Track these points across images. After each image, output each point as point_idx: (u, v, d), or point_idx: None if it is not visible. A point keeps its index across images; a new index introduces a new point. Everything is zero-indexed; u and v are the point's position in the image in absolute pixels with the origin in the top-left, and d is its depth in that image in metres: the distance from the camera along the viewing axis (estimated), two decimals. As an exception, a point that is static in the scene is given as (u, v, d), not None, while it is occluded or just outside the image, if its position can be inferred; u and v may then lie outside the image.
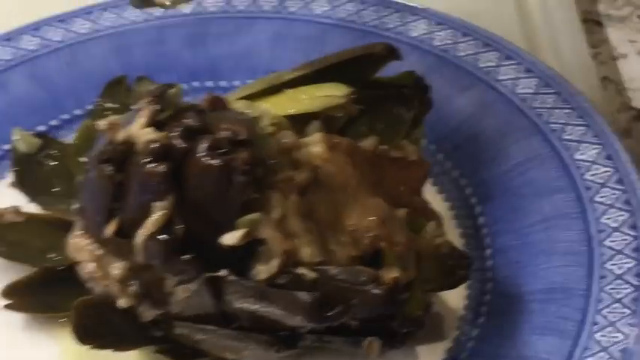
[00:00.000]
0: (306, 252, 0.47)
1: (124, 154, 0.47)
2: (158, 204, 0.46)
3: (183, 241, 0.46)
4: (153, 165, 0.46)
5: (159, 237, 0.46)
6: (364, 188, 0.50)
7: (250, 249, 0.47)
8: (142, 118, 0.47)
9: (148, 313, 0.49)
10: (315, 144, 0.49)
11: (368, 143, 0.52)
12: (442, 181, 0.57)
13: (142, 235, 0.46)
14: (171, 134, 0.46)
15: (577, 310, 0.50)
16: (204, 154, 0.46)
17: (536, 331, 0.50)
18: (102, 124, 0.49)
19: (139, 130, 0.47)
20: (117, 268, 0.49)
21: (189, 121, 0.46)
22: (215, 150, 0.46)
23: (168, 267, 0.47)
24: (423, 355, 0.51)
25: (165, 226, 0.46)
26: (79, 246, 0.50)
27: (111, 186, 0.48)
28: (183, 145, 0.46)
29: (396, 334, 0.50)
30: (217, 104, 0.49)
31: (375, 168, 0.51)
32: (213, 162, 0.46)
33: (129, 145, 0.47)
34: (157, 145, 0.46)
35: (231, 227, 0.46)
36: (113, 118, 0.50)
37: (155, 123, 0.47)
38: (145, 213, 0.46)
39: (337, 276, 0.47)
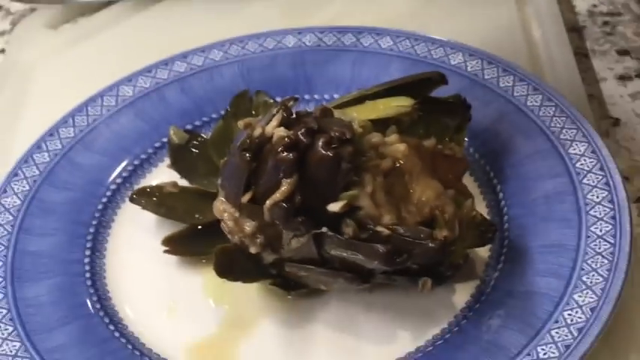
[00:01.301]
0: (387, 217, 0.48)
1: (258, 146, 0.48)
2: (286, 180, 0.47)
3: (299, 208, 0.47)
4: (285, 154, 0.47)
5: (282, 204, 0.47)
6: (425, 174, 0.50)
7: (347, 215, 0.47)
8: (276, 120, 0.48)
9: (268, 257, 0.50)
10: (398, 143, 0.50)
11: (429, 142, 0.52)
12: (475, 169, 0.56)
13: (271, 201, 0.47)
14: (297, 132, 0.47)
15: (569, 259, 0.49)
16: (321, 147, 0.47)
17: (538, 273, 0.49)
18: (241, 123, 0.50)
19: (274, 128, 0.48)
20: (249, 225, 0.49)
21: (310, 123, 0.47)
22: (329, 145, 0.47)
23: (286, 225, 0.47)
24: (459, 289, 0.51)
25: (289, 197, 0.47)
26: (222, 209, 0.50)
27: (248, 168, 0.48)
28: (306, 141, 0.47)
29: (443, 276, 0.49)
30: (326, 113, 0.50)
31: (433, 160, 0.52)
32: (328, 153, 0.46)
33: (263, 140, 0.48)
34: (287, 139, 0.47)
35: (336, 199, 0.47)
36: (249, 119, 0.50)
37: (285, 124, 0.48)
38: (275, 187, 0.47)
39: (405, 233, 0.47)
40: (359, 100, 0.54)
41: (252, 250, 0.50)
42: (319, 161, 0.47)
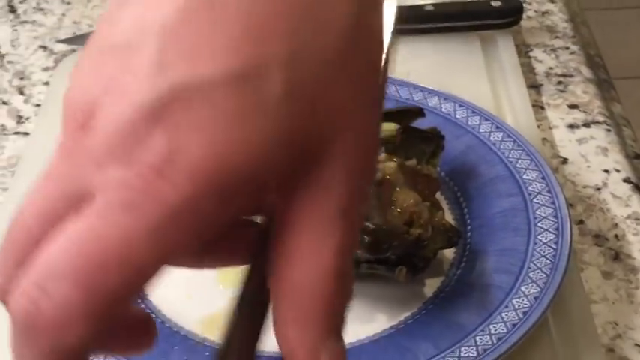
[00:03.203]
0: (376, 218, 0.55)
1: None
2: None
3: None
4: None
5: None
6: (407, 187, 0.58)
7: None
8: None
9: None
10: (388, 161, 0.58)
11: (410, 163, 0.60)
12: (445, 189, 0.63)
13: None
14: None
15: (519, 260, 0.56)
16: None
17: (494, 271, 0.56)
18: None
19: None
20: None
21: None
22: None
23: None
24: (428, 283, 0.58)
25: None
26: None
27: None
28: None
29: (416, 267, 0.56)
30: None
31: (413, 178, 0.59)
32: None
33: None
34: None
35: None
36: None
37: None
38: None
39: (387, 228, 0.54)
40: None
41: None
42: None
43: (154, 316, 0.57)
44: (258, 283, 0.30)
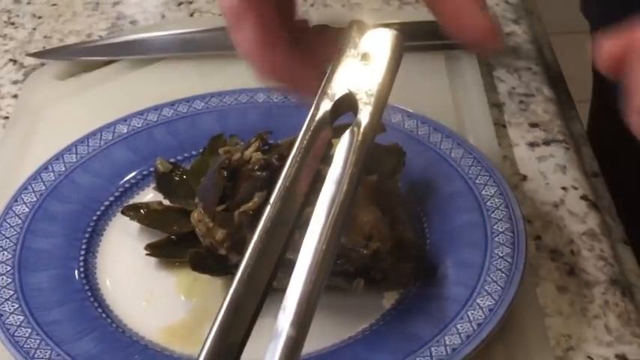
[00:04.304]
0: None
1: (235, 168, 0.56)
2: (258, 194, 0.55)
3: None
4: (259, 172, 0.55)
5: (250, 212, 0.55)
6: (368, 202, 0.58)
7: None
8: (254, 147, 0.57)
9: (233, 258, 0.57)
10: None
11: (371, 178, 0.60)
12: (405, 204, 0.63)
13: (242, 209, 0.55)
14: (271, 157, 0.56)
15: (476, 273, 0.57)
16: None
17: (451, 283, 0.58)
18: (222, 150, 0.59)
19: (252, 153, 0.57)
20: (220, 232, 0.57)
21: (282, 150, 0.56)
22: None
23: (250, 230, 0.54)
24: (387, 295, 0.59)
25: (258, 208, 0.55)
26: (198, 218, 0.58)
27: (224, 183, 0.56)
28: (277, 164, 0.55)
29: (374, 279, 0.57)
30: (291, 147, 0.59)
31: (374, 193, 0.60)
32: None
33: (240, 162, 0.56)
34: (262, 161, 0.55)
35: None
36: (229, 147, 0.60)
37: (261, 150, 0.57)
38: (248, 199, 0.55)
39: (345, 242, 0.55)
40: (314, 139, 0.63)
41: (221, 252, 0.58)
42: (286, 181, 0.56)
43: (114, 326, 0.58)
44: None
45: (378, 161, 0.64)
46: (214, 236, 0.58)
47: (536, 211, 0.68)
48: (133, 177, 0.69)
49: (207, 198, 0.59)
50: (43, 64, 0.85)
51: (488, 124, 0.75)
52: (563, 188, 0.70)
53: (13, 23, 0.91)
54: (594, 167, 0.74)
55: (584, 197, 0.69)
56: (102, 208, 0.66)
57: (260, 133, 0.59)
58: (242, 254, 0.55)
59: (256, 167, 0.56)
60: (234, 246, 0.58)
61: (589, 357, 0.57)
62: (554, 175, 0.71)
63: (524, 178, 0.71)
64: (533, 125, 0.76)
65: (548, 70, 0.83)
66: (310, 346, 0.56)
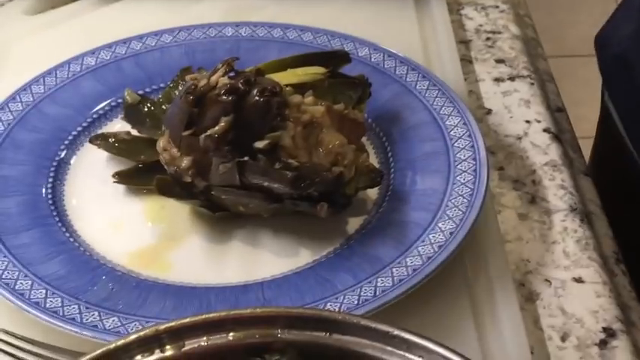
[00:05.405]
0: (302, 157, 0.57)
1: (202, 93, 0.57)
2: (224, 118, 0.56)
3: (230, 141, 0.55)
4: (226, 97, 0.56)
5: (215, 135, 0.55)
6: (334, 130, 0.59)
7: (269, 152, 0.56)
8: (220, 72, 0.57)
9: (199, 184, 0.58)
10: (318, 104, 0.59)
11: (338, 107, 0.61)
12: (371, 134, 0.65)
13: (208, 133, 0.56)
14: (238, 81, 0.56)
15: (438, 199, 0.59)
16: (256, 95, 0.56)
17: (414, 209, 0.59)
18: (188, 77, 0.59)
19: (218, 78, 0.57)
20: (185, 160, 0.57)
21: (248, 76, 0.57)
22: (262, 94, 0.56)
23: (216, 152, 0.56)
24: (351, 221, 0.60)
25: (225, 132, 0.55)
26: (163, 146, 0.59)
27: (190, 108, 0.56)
28: (244, 88, 0.56)
29: (338, 203, 0.58)
30: (259, 73, 0.59)
31: (340, 121, 0.61)
32: (261, 100, 0.56)
33: (207, 89, 0.57)
34: (229, 86, 0.56)
35: (262, 138, 0.56)
36: (195, 74, 0.60)
37: (227, 76, 0.57)
38: (214, 124, 0.56)
39: (310, 166, 0.56)
40: (281, 67, 0.64)
41: (186, 178, 0.58)
42: (253, 106, 0.56)
43: (82, 249, 0.59)
44: None
45: (345, 91, 0.65)
46: (179, 164, 0.58)
47: (499, 143, 0.69)
48: (102, 108, 0.69)
49: (174, 123, 0.59)
50: (11, 0, 0.85)
51: (455, 59, 0.76)
52: (527, 121, 0.71)
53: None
54: (558, 103, 0.75)
55: (546, 130, 0.70)
56: (70, 137, 0.67)
57: (227, 59, 0.60)
58: (207, 179, 0.58)
59: (222, 92, 0.56)
60: (199, 172, 0.58)
61: (547, 280, 0.59)
62: (518, 109, 0.72)
63: (489, 111, 0.72)
64: (499, 61, 0.77)
65: (515, 8, 0.84)
66: (275, 268, 0.58)
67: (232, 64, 0.59)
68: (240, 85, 0.57)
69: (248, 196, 0.58)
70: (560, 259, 0.60)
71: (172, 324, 0.41)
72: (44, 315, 0.53)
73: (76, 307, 0.54)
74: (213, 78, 0.58)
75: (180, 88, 0.63)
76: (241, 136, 0.57)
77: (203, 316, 0.41)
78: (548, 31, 0.85)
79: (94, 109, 0.69)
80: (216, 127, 0.56)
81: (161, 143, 0.60)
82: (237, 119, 0.56)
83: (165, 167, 0.60)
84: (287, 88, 0.60)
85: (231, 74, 0.60)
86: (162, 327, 0.41)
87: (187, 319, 0.41)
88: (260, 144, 0.57)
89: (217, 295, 0.55)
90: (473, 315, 0.55)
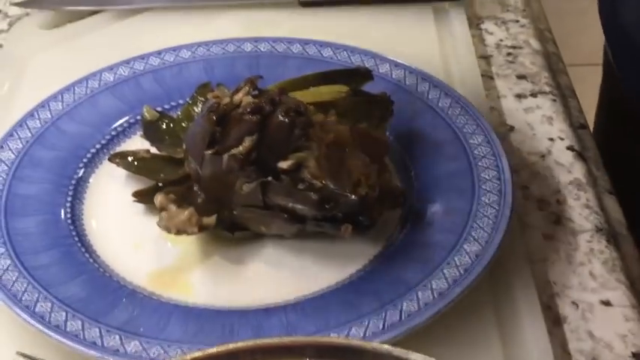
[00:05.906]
0: (325, 176, 0.55)
1: (225, 112, 0.56)
2: (248, 138, 0.55)
3: (254, 161, 0.55)
4: (250, 116, 0.55)
5: (240, 155, 0.55)
6: (357, 149, 0.58)
7: (292, 173, 0.55)
8: (244, 91, 0.57)
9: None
10: (340, 124, 0.58)
11: (360, 126, 0.61)
12: (393, 152, 0.64)
13: (232, 153, 0.55)
14: (262, 100, 0.55)
15: (462, 220, 0.58)
16: (280, 114, 0.55)
17: (437, 230, 0.58)
18: (210, 95, 0.59)
19: (242, 96, 0.56)
20: (186, 212, 0.56)
21: (272, 95, 0.56)
22: (287, 113, 0.55)
23: (241, 172, 0.55)
24: (374, 241, 0.58)
25: (249, 152, 0.55)
26: (161, 205, 0.57)
27: (213, 127, 0.56)
28: (268, 108, 0.55)
29: (362, 225, 0.57)
30: (283, 92, 0.58)
31: (363, 140, 0.60)
32: (285, 120, 0.55)
33: (230, 107, 0.56)
34: (253, 105, 0.55)
35: (286, 158, 0.55)
36: (217, 92, 0.59)
37: (251, 94, 0.56)
38: (237, 144, 0.55)
39: (334, 187, 0.55)
40: (303, 84, 0.63)
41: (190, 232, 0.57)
42: (277, 126, 0.56)
43: (101, 270, 0.58)
44: None
45: (367, 110, 0.64)
46: (180, 218, 0.57)
47: (523, 162, 0.68)
48: (120, 125, 0.68)
49: (195, 142, 0.58)
50: (27, 14, 0.84)
51: (475, 75, 0.75)
52: (550, 139, 0.70)
53: (-4, -27, 0.90)
54: (581, 119, 0.74)
55: (570, 148, 0.69)
56: (88, 155, 0.66)
57: (250, 77, 0.59)
58: (230, 198, 0.57)
59: (248, 110, 0.55)
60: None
61: (574, 303, 0.58)
62: (541, 126, 0.71)
63: (512, 129, 0.71)
64: (521, 77, 0.76)
65: (535, 22, 0.83)
66: (299, 290, 0.57)
67: (255, 82, 0.58)
68: (264, 105, 0.56)
69: (271, 216, 0.57)
70: (587, 281, 0.59)
71: (199, 354, 0.40)
72: (66, 339, 0.52)
73: (97, 330, 0.53)
74: (237, 97, 0.57)
75: (201, 105, 0.62)
76: (265, 156, 0.56)
77: (230, 346, 0.40)
78: (559, 38, 0.83)
79: (113, 126, 0.68)
80: (240, 147, 0.56)
81: (159, 198, 0.58)
82: (261, 139, 0.55)
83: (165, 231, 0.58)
84: (310, 107, 0.59)
85: (254, 92, 0.59)
86: (189, 357, 0.40)
87: (214, 350, 0.40)
88: (284, 164, 0.56)
89: (240, 319, 0.54)
90: (500, 339, 0.54)
